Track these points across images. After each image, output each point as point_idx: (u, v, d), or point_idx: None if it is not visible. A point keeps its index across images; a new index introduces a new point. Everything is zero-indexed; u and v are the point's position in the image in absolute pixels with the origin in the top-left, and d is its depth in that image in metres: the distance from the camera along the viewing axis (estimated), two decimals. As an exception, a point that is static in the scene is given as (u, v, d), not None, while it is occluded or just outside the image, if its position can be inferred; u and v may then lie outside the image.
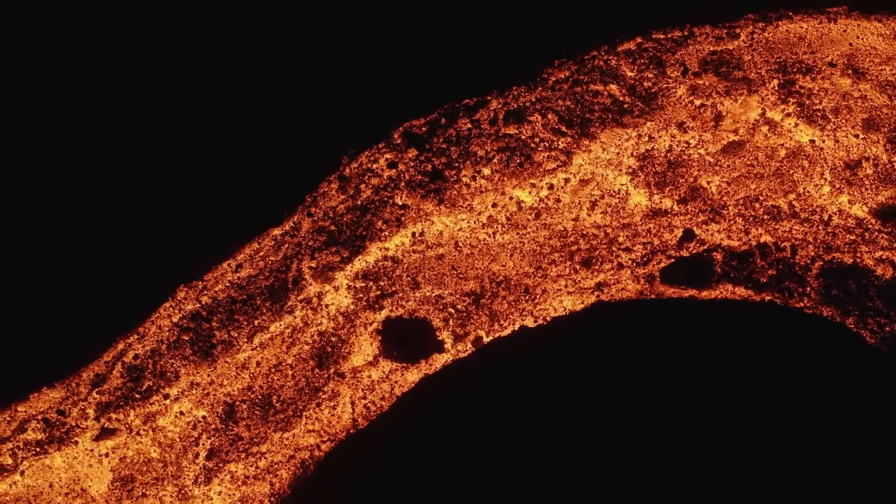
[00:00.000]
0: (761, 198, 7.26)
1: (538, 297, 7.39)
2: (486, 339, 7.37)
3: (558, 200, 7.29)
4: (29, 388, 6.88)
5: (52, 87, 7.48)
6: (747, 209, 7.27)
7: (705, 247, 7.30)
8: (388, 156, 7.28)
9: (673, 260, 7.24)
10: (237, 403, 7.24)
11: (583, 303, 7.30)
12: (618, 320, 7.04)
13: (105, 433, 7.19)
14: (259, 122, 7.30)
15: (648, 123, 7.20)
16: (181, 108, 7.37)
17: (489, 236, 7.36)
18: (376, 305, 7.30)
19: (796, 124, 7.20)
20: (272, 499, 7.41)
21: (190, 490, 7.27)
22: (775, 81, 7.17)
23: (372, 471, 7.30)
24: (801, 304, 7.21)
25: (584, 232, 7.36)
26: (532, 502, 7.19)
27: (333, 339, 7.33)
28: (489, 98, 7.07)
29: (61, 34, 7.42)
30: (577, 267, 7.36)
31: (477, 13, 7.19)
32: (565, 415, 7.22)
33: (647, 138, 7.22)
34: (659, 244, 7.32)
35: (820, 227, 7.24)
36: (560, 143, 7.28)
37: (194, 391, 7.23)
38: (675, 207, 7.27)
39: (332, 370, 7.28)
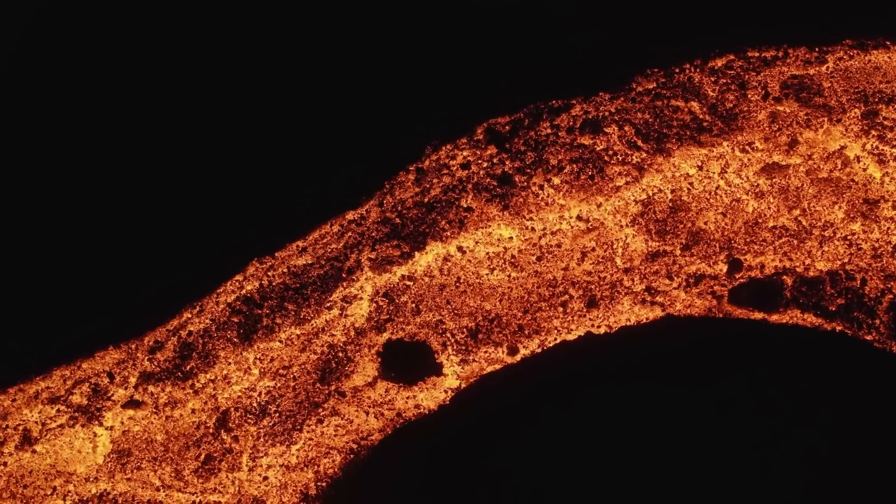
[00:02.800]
0: (837, 224, 7.23)
1: (603, 305, 7.30)
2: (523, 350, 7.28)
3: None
4: (97, 346, 6.91)
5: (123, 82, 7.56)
6: (825, 235, 7.24)
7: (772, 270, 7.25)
8: (465, 153, 7.29)
9: (745, 281, 7.19)
10: (231, 411, 7.16)
11: (647, 317, 7.22)
12: (685, 337, 6.95)
13: (132, 403, 7.11)
14: (362, 100, 7.36)
15: (725, 143, 7.22)
16: (285, 85, 7.46)
17: (552, 245, 7.32)
18: (382, 328, 7.26)
19: (877, 156, 7.22)
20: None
21: (187, 477, 7.19)
22: (857, 110, 7.21)
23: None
24: (871, 337, 7.11)
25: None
26: None
27: (340, 354, 7.25)
28: (574, 102, 7.13)
29: (78, 34, 7.54)
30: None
31: (582, 13, 7.28)
32: (631, 432, 7.09)
33: (721, 157, 7.24)
34: (711, 272, 7.27)
35: (891, 261, 7.19)
36: (634, 157, 7.29)
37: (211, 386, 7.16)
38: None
39: (333, 387, 7.19)
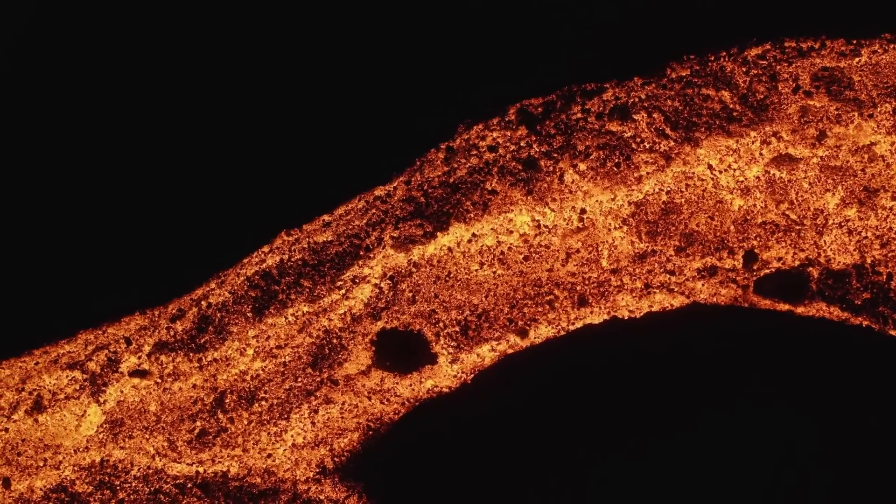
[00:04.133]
0: (865, 218, 7.20)
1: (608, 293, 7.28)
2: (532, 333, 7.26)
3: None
4: (125, 312, 6.96)
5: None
6: (851, 228, 7.21)
7: (801, 261, 7.22)
8: (495, 134, 7.27)
9: (772, 272, 7.17)
10: (227, 393, 7.16)
11: (672, 304, 7.20)
12: (712, 325, 6.94)
13: (138, 373, 7.12)
14: (402, 76, 7.39)
15: (753, 134, 7.20)
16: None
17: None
18: (378, 316, 7.25)
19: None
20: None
21: (181, 448, 7.19)
22: (888, 105, 7.19)
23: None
24: None
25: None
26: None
27: (335, 340, 7.22)
28: (607, 86, 7.11)
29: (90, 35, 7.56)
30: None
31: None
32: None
33: (751, 146, 7.22)
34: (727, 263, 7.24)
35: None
36: (662, 145, 7.26)
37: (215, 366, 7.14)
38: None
39: (325, 374, 7.17)
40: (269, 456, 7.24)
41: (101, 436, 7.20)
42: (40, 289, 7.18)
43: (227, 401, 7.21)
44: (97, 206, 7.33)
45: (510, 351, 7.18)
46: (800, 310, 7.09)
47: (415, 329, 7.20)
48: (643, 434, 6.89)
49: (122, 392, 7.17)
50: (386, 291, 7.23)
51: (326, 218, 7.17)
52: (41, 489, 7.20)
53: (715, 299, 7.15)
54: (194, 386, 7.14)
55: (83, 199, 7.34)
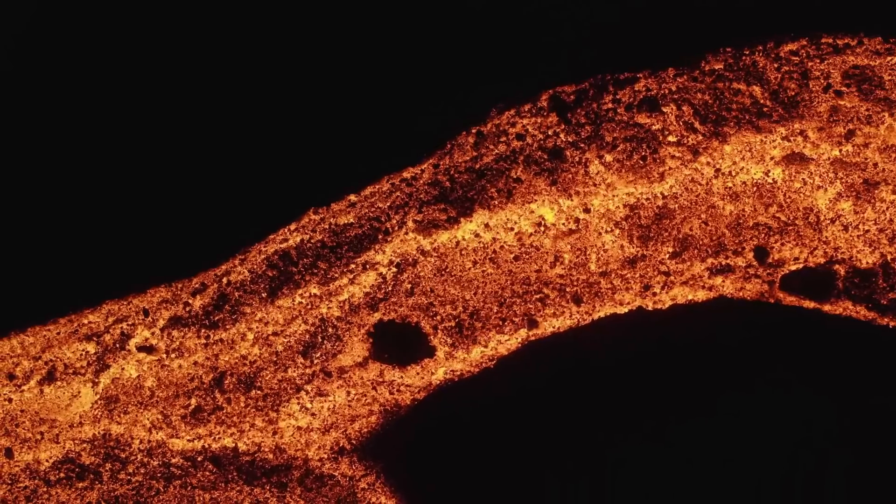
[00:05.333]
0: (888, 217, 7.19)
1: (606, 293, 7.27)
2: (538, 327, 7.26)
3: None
4: (150, 284, 7.01)
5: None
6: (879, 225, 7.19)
7: (826, 259, 7.21)
8: (525, 121, 7.27)
9: (800, 268, 7.15)
10: (227, 374, 7.16)
11: (698, 297, 7.19)
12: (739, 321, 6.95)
13: (145, 349, 7.13)
14: (441, 59, 7.42)
15: (781, 129, 7.18)
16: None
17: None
18: (375, 307, 7.25)
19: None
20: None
21: (175, 423, 7.22)
22: (921, 107, 7.16)
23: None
24: (922, 335, 7.07)
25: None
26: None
27: (330, 330, 7.22)
28: (640, 76, 7.09)
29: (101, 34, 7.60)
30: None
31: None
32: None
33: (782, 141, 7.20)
34: (740, 261, 7.23)
35: (943, 262, 7.14)
36: (690, 139, 7.25)
37: (218, 346, 7.15)
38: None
39: (317, 366, 7.16)
40: (275, 433, 7.25)
41: (95, 411, 7.24)
42: (74, 257, 7.23)
43: (227, 382, 7.22)
44: (136, 179, 7.39)
45: (531, 338, 7.20)
46: (826, 308, 7.09)
47: (412, 321, 7.21)
48: (661, 417, 6.92)
49: (122, 369, 7.18)
50: (389, 280, 7.22)
51: (353, 198, 7.17)
52: (47, 460, 7.23)
53: (741, 294, 7.16)
54: (195, 363, 7.14)
55: (122, 172, 7.40)
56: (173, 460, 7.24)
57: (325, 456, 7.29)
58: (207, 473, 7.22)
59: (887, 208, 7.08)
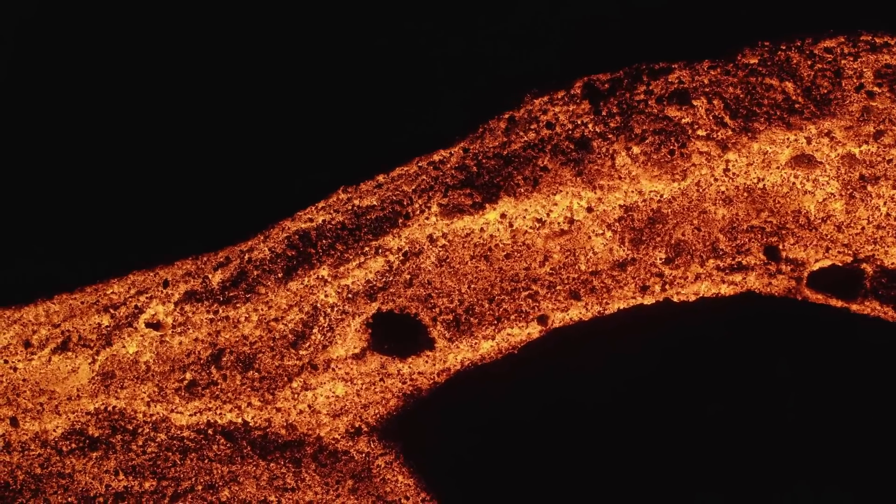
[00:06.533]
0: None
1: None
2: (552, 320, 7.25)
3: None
4: (177, 256, 7.07)
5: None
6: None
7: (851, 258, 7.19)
8: (557, 109, 7.25)
9: (826, 266, 7.13)
10: (226, 352, 7.17)
11: (726, 291, 7.18)
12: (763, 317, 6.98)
13: (152, 325, 7.15)
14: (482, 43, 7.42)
15: (811, 128, 7.15)
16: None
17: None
18: (374, 296, 7.25)
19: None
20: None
21: (169, 396, 7.24)
22: (955, 109, 7.12)
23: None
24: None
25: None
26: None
27: (322, 320, 7.22)
28: (674, 66, 7.07)
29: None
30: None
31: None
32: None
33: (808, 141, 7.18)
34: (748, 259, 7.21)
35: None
36: (719, 134, 7.22)
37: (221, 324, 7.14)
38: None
39: (306, 359, 7.15)
40: (280, 412, 7.26)
41: (93, 386, 7.26)
42: (115, 230, 7.30)
43: (224, 359, 7.22)
44: (181, 155, 7.45)
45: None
46: (854, 307, 7.07)
47: (411, 312, 7.20)
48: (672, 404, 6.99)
49: (123, 347, 7.19)
50: (395, 267, 7.20)
51: (381, 178, 7.17)
52: (54, 430, 7.25)
53: (769, 289, 7.15)
54: (196, 339, 7.15)
55: (167, 147, 7.47)
56: (183, 434, 7.26)
57: (339, 436, 7.30)
58: (222, 447, 7.23)
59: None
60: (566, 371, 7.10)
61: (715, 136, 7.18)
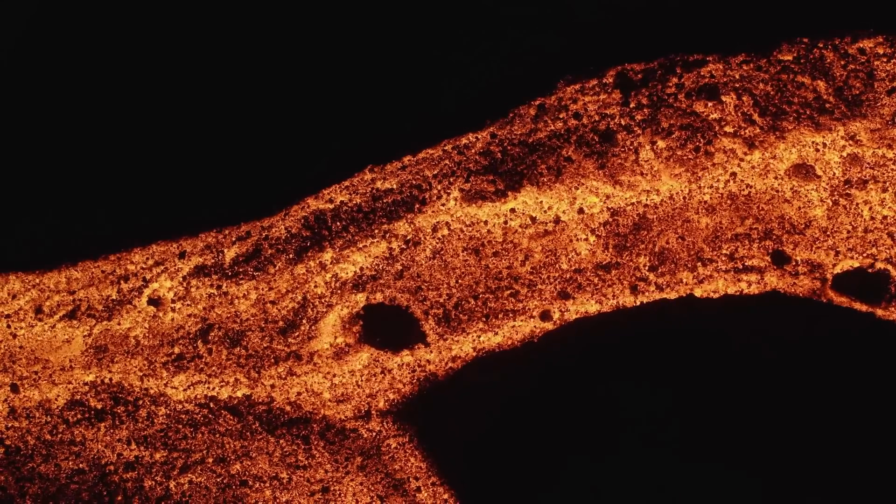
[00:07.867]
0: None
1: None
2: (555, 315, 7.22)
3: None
4: (201, 229, 7.10)
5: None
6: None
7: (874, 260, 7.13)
8: (587, 99, 7.20)
9: (854, 267, 7.07)
10: (214, 327, 7.16)
11: (752, 290, 7.14)
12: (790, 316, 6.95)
13: (153, 301, 7.14)
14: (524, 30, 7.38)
15: (841, 129, 7.08)
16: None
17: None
18: (362, 287, 7.21)
19: None
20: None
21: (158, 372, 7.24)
22: None
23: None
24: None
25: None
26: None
27: (309, 311, 7.21)
28: (709, 59, 7.01)
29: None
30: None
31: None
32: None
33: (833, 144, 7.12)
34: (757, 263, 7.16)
35: None
36: (747, 131, 7.15)
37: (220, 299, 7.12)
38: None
39: (291, 348, 7.13)
40: (273, 388, 7.25)
41: (86, 358, 7.27)
42: (142, 195, 7.32)
43: (212, 335, 7.21)
44: (223, 132, 7.48)
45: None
46: (879, 312, 7.01)
47: (402, 304, 7.18)
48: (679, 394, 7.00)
49: (119, 324, 7.19)
50: (396, 255, 7.17)
51: (407, 160, 7.14)
52: (55, 399, 7.27)
53: (794, 289, 7.10)
54: (189, 315, 7.15)
55: (212, 122, 7.50)
56: (187, 407, 7.28)
57: (345, 417, 7.30)
58: (227, 421, 7.25)
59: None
60: (577, 363, 7.10)
61: (742, 133, 7.12)
